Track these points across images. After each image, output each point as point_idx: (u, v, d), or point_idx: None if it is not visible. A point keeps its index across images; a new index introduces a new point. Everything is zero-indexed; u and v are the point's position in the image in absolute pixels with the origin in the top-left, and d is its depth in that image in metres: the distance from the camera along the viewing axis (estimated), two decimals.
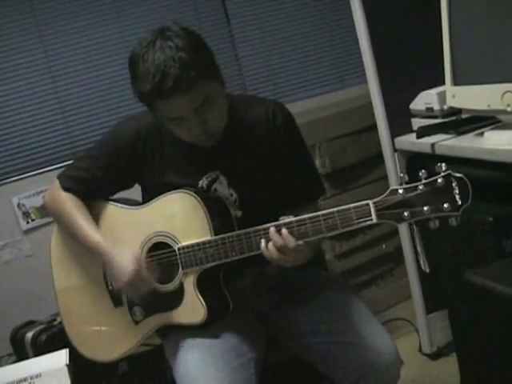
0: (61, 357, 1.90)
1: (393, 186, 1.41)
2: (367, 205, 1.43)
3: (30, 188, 3.16)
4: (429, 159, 2.25)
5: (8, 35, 3.22)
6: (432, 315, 2.68)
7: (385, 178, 2.60)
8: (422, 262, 1.55)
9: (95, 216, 1.80)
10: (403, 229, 2.59)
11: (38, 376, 1.83)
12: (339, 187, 3.13)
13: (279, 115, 1.77)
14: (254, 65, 3.71)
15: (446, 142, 2.13)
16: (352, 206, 1.45)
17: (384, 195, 1.42)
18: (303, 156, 1.85)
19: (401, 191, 1.40)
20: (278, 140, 1.76)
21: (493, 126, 1.98)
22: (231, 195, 1.76)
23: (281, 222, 1.52)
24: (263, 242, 1.53)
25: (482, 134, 1.98)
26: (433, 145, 2.15)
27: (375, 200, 1.43)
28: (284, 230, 1.50)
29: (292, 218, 1.51)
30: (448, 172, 1.36)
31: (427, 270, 1.55)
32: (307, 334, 1.73)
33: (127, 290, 1.71)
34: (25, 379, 1.82)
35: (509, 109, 1.74)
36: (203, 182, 1.75)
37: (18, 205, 3.19)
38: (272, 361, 1.82)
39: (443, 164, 1.37)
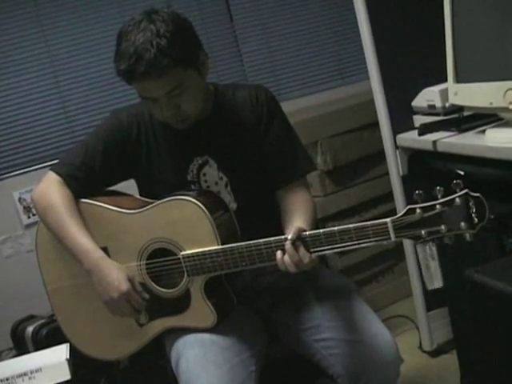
0: (61, 351, 1.90)
1: (410, 205, 1.41)
2: (385, 223, 1.43)
3: (31, 183, 3.14)
4: (430, 156, 2.25)
5: (10, 30, 3.22)
6: (432, 312, 2.68)
7: (386, 174, 2.60)
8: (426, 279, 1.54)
9: (90, 220, 1.75)
10: None
11: (39, 370, 1.84)
12: (341, 184, 3.13)
13: (262, 95, 1.82)
14: (256, 61, 3.71)
15: (447, 140, 2.13)
16: (369, 223, 1.45)
17: (402, 214, 1.42)
18: (288, 133, 1.86)
19: (418, 210, 1.40)
20: (263, 118, 1.80)
21: (495, 124, 1.98)
22: (221, 178, 1.78)
23: (295, 234, 1.52)
24: (279, 254, 1.54)
25: (483, 131, 1.98)
26: (434, 142, 2.15)
27: (393, 218, 1.43)
28: (301, 246, 1.51)
29: (307, 233, 1.52)
30: (465, 191, 1.37)
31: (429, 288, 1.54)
32: (307, 330, 1.73)
33: (112, 306, 1.68)
34: (25, 373, 1.83)
35: (511, 107, 1.74)
36: (194, 166, 1.78)
37: (19, 199, 3.19)
38: (272, 357, 1.82)
39: (460, 181, 1.38)
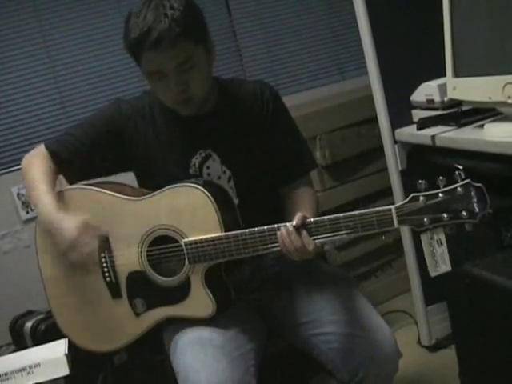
0: (60, 347, 1.90)
1: (414, 193, 1.44)
2: (389, 210, 1.45)
3: None
4: (429, 151, 2.25)
5: (8, 25, 3.20)
6: (431, 307, 2.69)
7: (385, 169, 2.60)
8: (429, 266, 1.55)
9: (91, 206, 1.75)
10: None
11: (37, 366, 1.83)
12: (339, 179, 3.13)
13: (267, 91, 1.82)
14: (254, 56, 3.71)
15: (446, 134, 2.13)
16: (374, 210, 1.47)
17: (405, 201, 1.44)
18: (292, 130, 1.87)
19: (422, 198, 1.42)
20: (267, 115, 1.81)
21: (493, 118, 1.98)
22: (224, 173, 1.78)
23: (299, 220, 1.52)
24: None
25: (482, 126, 1.98)
26: (433, 137, 2.15)
27: (397, 205, 1.45)
28: (304, 232, 1.52)
29: (311, 219, 1.52)
30: (467, 181, 1.39)
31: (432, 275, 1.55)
32: (306, 324, 1.73)
33: (70, 251, 1.65)
34: (24, 369, 1.83)
35: (509, 101, 1.73)
36: (196, 160, 1.77)
37: (18, 195, 3.18)
38: (271, 351, 1.82)
39: (462, 172, 1.40)
